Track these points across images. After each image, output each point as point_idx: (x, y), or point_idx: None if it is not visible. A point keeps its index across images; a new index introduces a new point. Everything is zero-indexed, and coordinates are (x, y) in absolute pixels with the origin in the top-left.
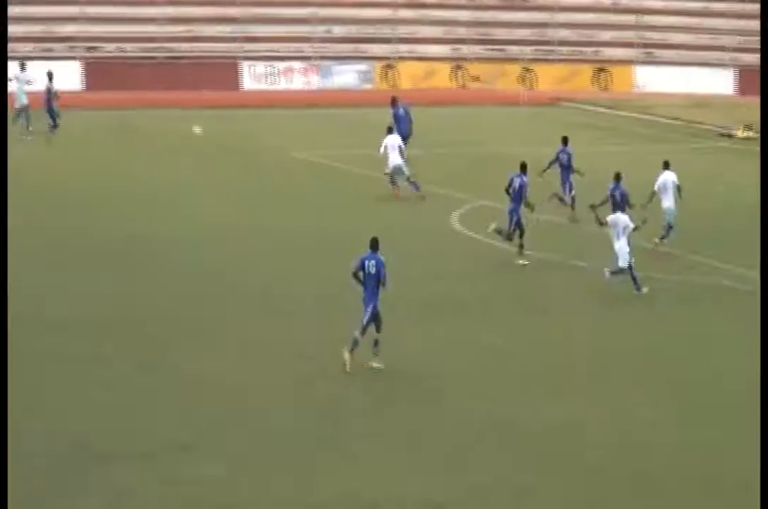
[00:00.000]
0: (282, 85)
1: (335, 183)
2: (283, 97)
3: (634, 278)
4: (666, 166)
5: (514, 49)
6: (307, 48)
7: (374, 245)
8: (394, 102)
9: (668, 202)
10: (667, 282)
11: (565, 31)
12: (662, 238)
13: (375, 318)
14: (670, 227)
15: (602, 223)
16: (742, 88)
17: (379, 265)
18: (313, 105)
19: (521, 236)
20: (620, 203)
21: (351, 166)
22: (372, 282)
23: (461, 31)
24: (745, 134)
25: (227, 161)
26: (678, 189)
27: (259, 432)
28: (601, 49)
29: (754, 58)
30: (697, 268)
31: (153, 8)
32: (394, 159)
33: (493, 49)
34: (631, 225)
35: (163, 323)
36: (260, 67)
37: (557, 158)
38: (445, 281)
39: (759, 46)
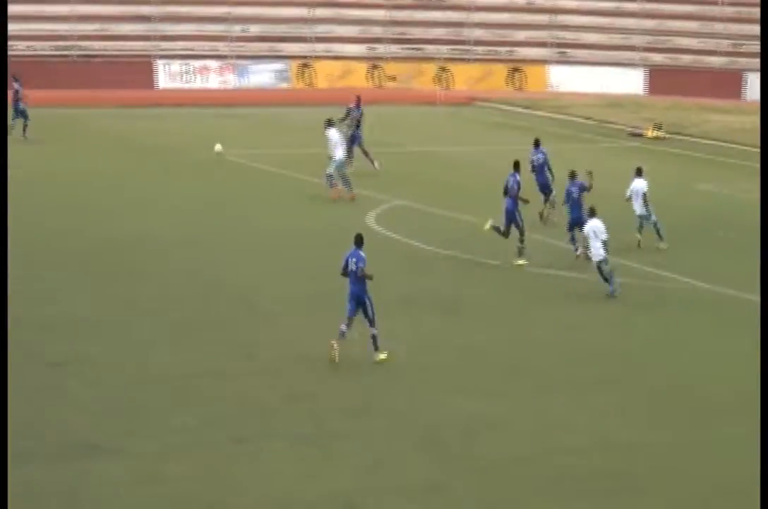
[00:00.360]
0: (198, 84)
1: (252, 182)
2: (199, 96)
3: (604, 278)
4: (638, 173)
5: (430, 49)
6: (222, 47)
7: (358, 241)
8: (358, 102)
9: (638, 209)
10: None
11: (480, 30)
12: (660, 238)
13: (366, 313)
14: (657, 228)
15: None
16: (652, 88)
17: (359, 261)
18: (230, 104)
19: (522, 235)
20: (578, 204)
21: (268, 165)
22: (356, 278)
23: (377, 31)
24: (655, 134)
25: (143, 160)
26: (644, 197)
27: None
28: (515, 48)
29: (663, 58)
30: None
31: (65, 6)
32: (339, 154)
33: (409, 49)
34: (604, 235)
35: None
36: (175, 65)
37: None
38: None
39: (667, 46)
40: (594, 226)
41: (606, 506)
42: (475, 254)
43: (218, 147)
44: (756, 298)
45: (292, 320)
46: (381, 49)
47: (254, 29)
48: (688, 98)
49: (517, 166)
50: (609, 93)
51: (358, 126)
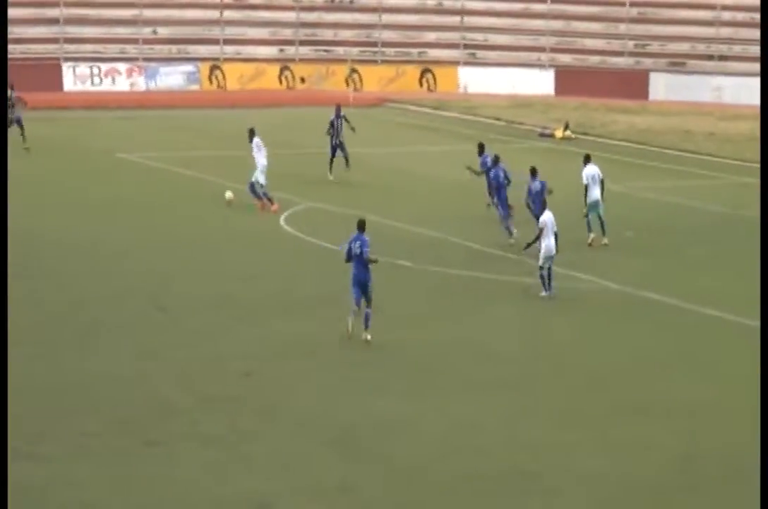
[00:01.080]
0: (106, 86)
1: (162, 185)
2: (108, 98)
3: (542, 278)
4: (587, 160)
5: (340, 51)
6: (131, 49)
7: (361, 226)
8: (338, 111)
9: (596, 194)
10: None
11: (389, 32)
12: (604, 233)
13: (366, 294)
14: (601, 221)
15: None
16: (560, 89)
17: (363, 245)
18: (139, 106)
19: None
20: (540, 199)
21: (179, 167)
22: (361, 262)
23: (287, 33)
24: (564, 134)
25: (51, 163)
26: (602, 182)
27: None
28: (425, 50)
29: (571, 59)
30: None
31: None
32: (261, 160)
33: (319, 50)
34: (555, 229)
35: None
36: (83, 68)
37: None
38: (273, 281)
39: (574, 47)
40: (551, 218)
41: (516, 506)
42: (388, 255)
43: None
44: (665, 299)
45: (201, 321)
46: (291, 51)
47: (164, 32)
48: (595, 99)
49: (534, 172)
50: (518, 94)
51: (338, 135)
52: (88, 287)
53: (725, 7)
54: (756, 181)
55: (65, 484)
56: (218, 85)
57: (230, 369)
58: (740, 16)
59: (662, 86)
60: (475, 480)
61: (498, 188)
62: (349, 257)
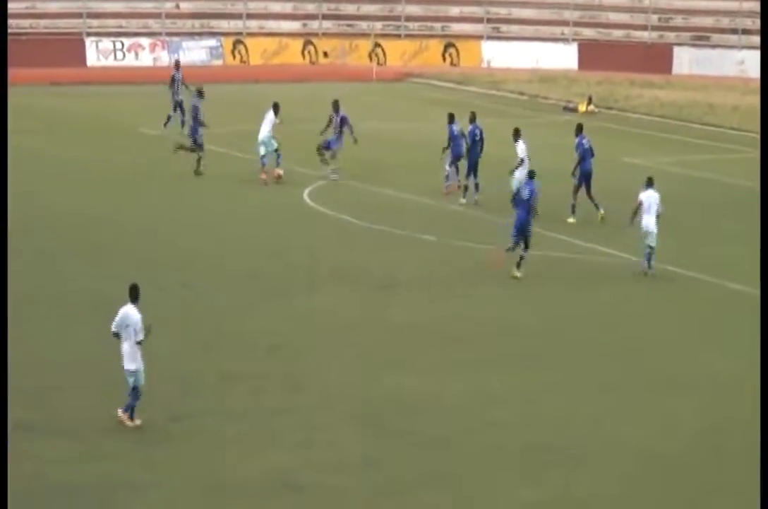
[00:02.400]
0: (129, 61)
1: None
2: (131, 73)
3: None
4: (649, 184)
5: (363, 25)
6: (154, 24)
7: (531, 174)
8: (336, 107)
9: (650, 222)
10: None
11: (413, 6)
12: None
13: (526, 238)
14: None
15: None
16: (583, 63)
17: (532, 192)
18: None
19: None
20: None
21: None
22: (525, 206)
23: (310, 7)
24: (588, 108)
25: (75, 138)
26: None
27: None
28: (449, 24)
29: (594, 33)
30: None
31: None
32: (263, 132)
33: (342, 25)
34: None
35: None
36: (106, 43)
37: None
38: (297, 256)
39: (598, 21)
40: (651, 196)
41: (540, 479)
42: (409, 229)
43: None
44: (688, 272)
45: (226, 296)
46: (314, 25)
47: (186, 6)
48: (618, 73)
49: (532, 175)
50: (541, 68)
51: (340, 132)
52: (112, 262)
53: None
54: None
55: (90, 459)
56: (241, 60)
57: (255, 345)
58: None
59: (686, 60)
60: (498, 452)
61: (472, 145)
62: (516, 200)
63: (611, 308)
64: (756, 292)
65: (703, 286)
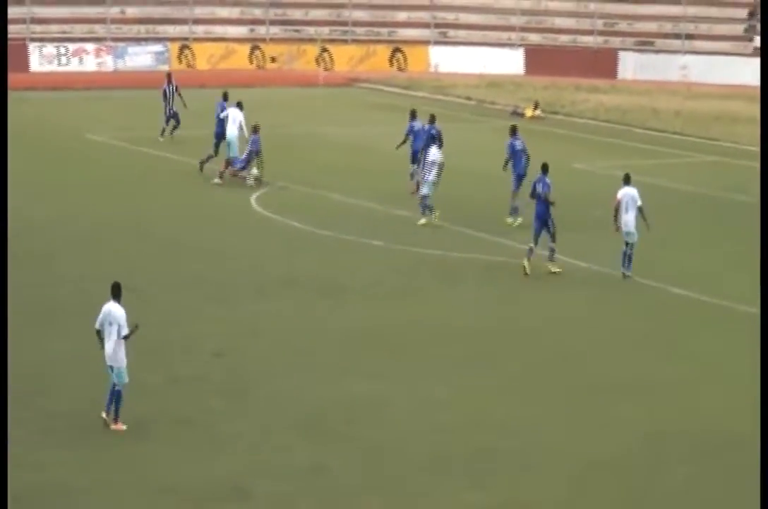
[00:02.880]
0: (74, 66)
1: (131, 165)
2: (76, 78)
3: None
4: (626, 180)
5: (310, 30)
6: (99, 29)
7: (544, 168)
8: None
9: (629, 220)
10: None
11: (360, 11)
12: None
13: (549, 230)
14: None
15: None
16: (530, 68)
17: (545, 187)
18: (108, 87)
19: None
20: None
21: (148, 147)
22: (542, 201)
23: (257, 12)
24: (534, 113)
25: (18, 145)
26: (639, 209)
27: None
28: (396, 29)
29: (540, 38)
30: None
31: None
32: (232, 131)
33: (289, 30)
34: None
35: None
36: (50, 48)
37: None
38: (243, 260)
39: (544, 26)
40: (629, 193)
41: (486, 483)
42: (356, 234)
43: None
44: (634, 277)
45: (171, 300)
46: (262, 30)
47: (132, 11)
48: (564, 78)
49: (545, 168)
50: (488, 73)
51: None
52: (55, 268)
53: None
54: (720, 159)
55: (32, 464)
56: (188, 65)
57: (201, 350)
58: None
59: (630, 65)
60: (445, 458)
61: (427, 144)
62: (533, 195)
63: (555, 312)
64: (698, 297)
65: (645, 290)
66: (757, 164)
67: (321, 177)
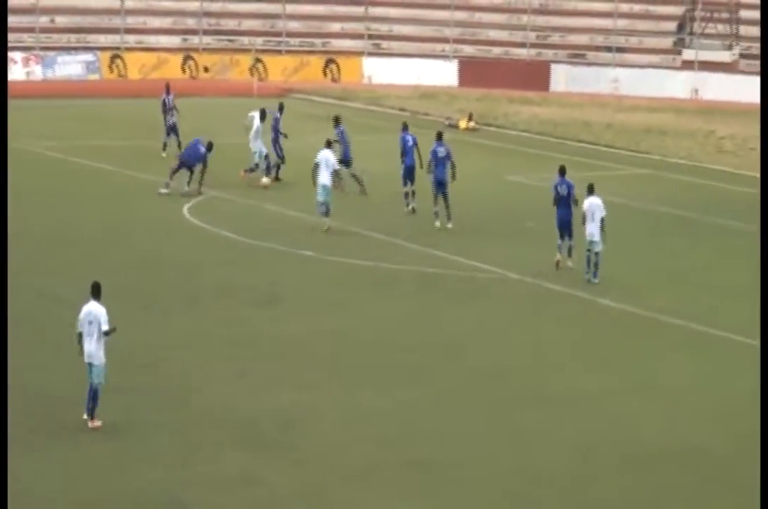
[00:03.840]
0: None
1: (61, 175)
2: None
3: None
4: (590, 191)
5: (244, 40)
6: (28, 38)
7: (562, 171)
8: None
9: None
10: (397, 272)
11: (294, 22)
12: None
13: (569, 231)
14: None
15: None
16: (464, 80)
17: (569, 188)
18: (36, 96)
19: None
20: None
21: (78, 157)
22: (565, 202)
23: (190, 22)
24: (468, 125)
25: None
26: (602, 221)
27: None
28: (330, 40)
29: (474, 50)
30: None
31: None
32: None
33: (223, 40)
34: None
35: None
36: None
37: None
38: (176, 271)
39: (477, 38)
40: (594, 203)
41: (418, 495)
42: (288, 245)
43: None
44: (563, 289)
45: None
46: (195, 40)
47: (62, 20)
48: (498, 89)
49: (563, 171)
50: (422, 84)
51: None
52: None
53: None
54: (650, 172)
55: None
56: (119, 74)
57: (133, 360)
58: (637, 7)
59: (563, 77)
60: (377, 469)
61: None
62: (557, 198)
63: (487, 324)
64: (631, 309)
65: (576, 301)
66: (685, 177)
67: (253, 188)
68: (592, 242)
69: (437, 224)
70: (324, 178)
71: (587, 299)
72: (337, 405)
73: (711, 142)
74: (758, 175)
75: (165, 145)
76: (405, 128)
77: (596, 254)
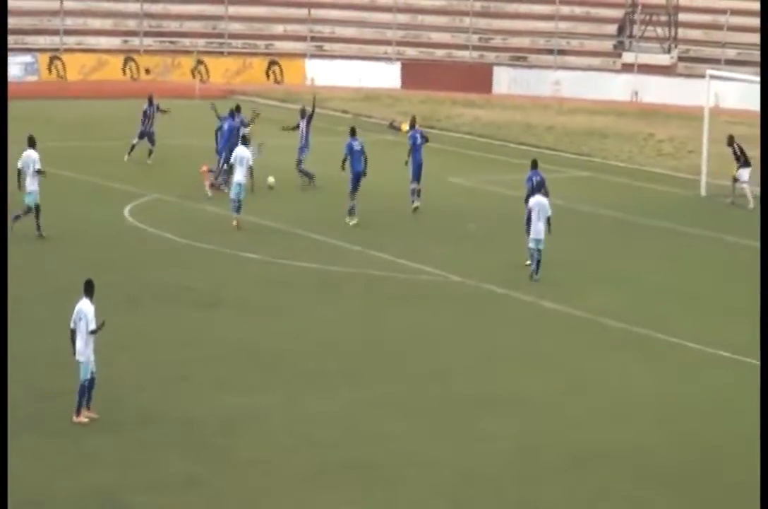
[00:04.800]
0: None
1: None
2: None
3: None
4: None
5: (186, 42)
6: None
7: (534, 165)
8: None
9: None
10: (347, 275)
11: (236, 24)
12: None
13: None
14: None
15: None
16: (406, 82)
17: (543, 180)
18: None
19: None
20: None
21: (14, 159)
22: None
23: (131, 24)
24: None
25: None
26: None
27: None
28: (272, 42)
29: (417, 52)
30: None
31: None
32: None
33: (164, 42)
34: None
35: None
36: None
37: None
38: (115, 273)
39: (420, 40)
40: (539, 202)
41: (361, 497)
42: (231, 247)
43: (271, 180)
44: (507, 291)
45: (39, 314)
46: (136, 42)
47: None
48: (440, 92)
49: (535, 164)
50: (365, 87)
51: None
52: None
53: (564, 2)
54: (591, 174)
55: None
56: (58, 76)
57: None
58: (578, 10)
59: (505, 80)
60: (321, 472)
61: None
62: (529, 193)
63: (430, 326)
64: (572, 311)
65: (517, 304)
66: (626, 180)
67: (195, 190)
68: (537, 241)
69: (351, 220)
70: (239, 176)
71: (529, 301)
72: (280, 407)
73: (651, 145)
74: (696, 177)
75: (132, 147)
76: (353, 133)
77: (539, 251)
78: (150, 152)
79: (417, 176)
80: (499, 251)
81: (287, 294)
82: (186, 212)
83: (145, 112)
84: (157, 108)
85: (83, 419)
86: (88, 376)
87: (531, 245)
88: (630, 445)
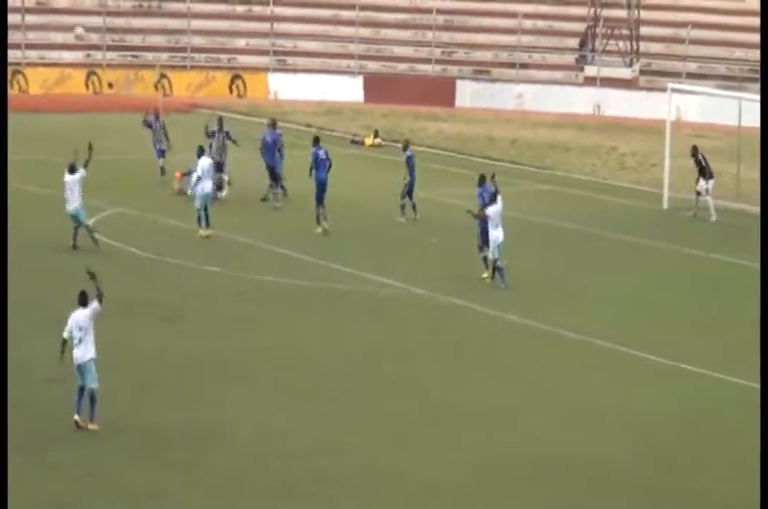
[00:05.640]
0: None
1: None
2: None
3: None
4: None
5: (148, 56)
6: None
7: (482, 180)
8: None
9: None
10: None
11: (199, 38)
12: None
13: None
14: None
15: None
16: (369, 96)
17: (492, 194)
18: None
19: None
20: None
21: None
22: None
23: (94, 37)
24: (374, 142)
25: None
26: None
27: None
28: (235, 56)
29: (379, 66)
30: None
31: None
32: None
33: (127, 55)
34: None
35: None
36: None
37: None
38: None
39: (383, 54)
40: (497, 209)
41: None
42: (194, 261)
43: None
44: (469, 304)
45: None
46: (98, 56)
47: None
48: (403, 106)
49: (482, 179)
50: (328, 100)
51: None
52: None
53: (526, 16)
54: (553, 188)
55: None
56: (20, 90)
57: (33, 376)
58: (540, 24)
59: (468, 94)
60: (288, 485)
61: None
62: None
63: (391, 340)
64: (534, 324)
65: (478, 316)
66: (589, 193)
67: (158, 203)
68: (499, 245)
69: (320, 227)
70: (207, 187)
71: (491, 314)
72: (246, 420)
73: (613, 158)
74: (658, 190)
75: (162, 170)
76: (316, 142)
77: (500, 259)
78: (162, 171)
79: (320, 198)
80: (462, 264)
81: (250, 308)
82: (147, 225)
83: (152, 126)
84: (227, 135)
85: (94, 426)
86: (93, 384)
87: (494, 254)
88: (590, 456)
